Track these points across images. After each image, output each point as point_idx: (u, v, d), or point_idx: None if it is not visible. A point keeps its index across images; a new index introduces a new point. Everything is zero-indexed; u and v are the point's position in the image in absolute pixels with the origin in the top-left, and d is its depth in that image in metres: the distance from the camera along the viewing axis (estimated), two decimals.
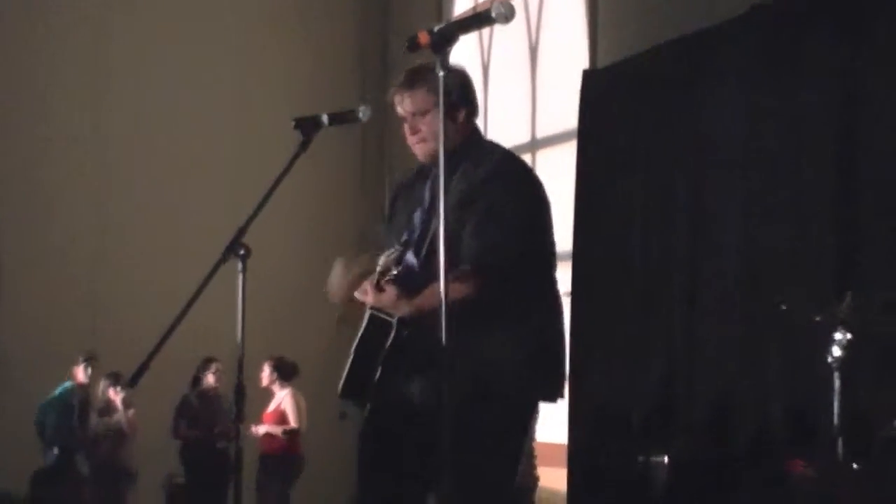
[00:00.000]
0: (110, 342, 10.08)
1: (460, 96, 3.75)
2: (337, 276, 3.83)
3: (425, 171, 3.84)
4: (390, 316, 3.63)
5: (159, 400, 9.81)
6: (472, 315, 3.35)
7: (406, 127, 3.81)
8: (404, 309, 3.59)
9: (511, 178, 3.73)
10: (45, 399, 10.11)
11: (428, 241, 3.66)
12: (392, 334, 3.60)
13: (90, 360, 10.16)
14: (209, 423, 10.18)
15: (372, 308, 3.69)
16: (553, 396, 3.78)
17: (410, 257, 3.72)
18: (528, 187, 3.77)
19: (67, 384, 10.17)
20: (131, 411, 10.11)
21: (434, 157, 3.64)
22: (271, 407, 10.18)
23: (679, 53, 7.32)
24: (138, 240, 11.18)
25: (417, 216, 3.78)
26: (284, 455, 10.07)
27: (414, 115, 3.77)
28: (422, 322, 3.50)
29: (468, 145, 3.76)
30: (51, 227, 11.04)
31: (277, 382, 10.19)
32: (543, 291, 3.74)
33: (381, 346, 3.62)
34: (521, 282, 3.62)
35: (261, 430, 10.02)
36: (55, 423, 9.99)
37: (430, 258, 3.60)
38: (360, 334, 3.74)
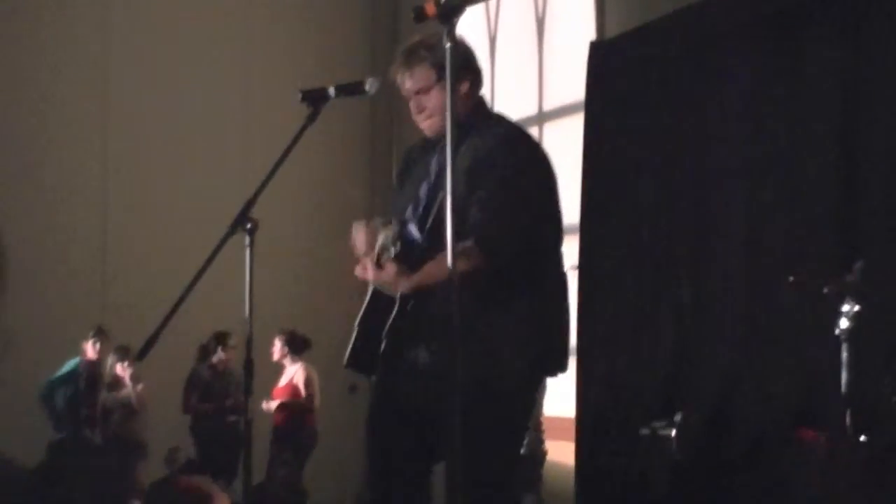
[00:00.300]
0: (120, 319, 10.08)
1: (461, 67, 3.64)
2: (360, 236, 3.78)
3: (432, 143, 3.81)
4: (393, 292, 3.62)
5: (170, 374, 9.84)
6: (474, 290, 3.33)
7: (412, 105, 3.79)
8: (404, 286, 3.58)
9: (516, 152, 3.71)
10: (51, 376, 10.11)
11: (433, 214, 3.64)
12: (395, 308, 3.60)
13: (100, 335, 10.16)
14: (220, 397, 10.21)
15: (374, 283, 3.69)
16: (553, 371, 3.79)
17: (413, 231, 3.71)
18: (533, 162, 3.75)
19: (75, 360, 10.19)
20: (140, 386, 10.13)
21: (443, 132, 3.57)
22: (283, 381, 10.20)
23: (685, 24, 7.29)
24: (146, 219, 11.15)
25: (423, 189, 3.76)
26: (297, 428, 10.10)
27: (417, 93, 3.75)
28: (425, 292, 3.50)
29: (474, 118, 3.74)
30: (58, 208, 11.01)
31: (289, 356, 10.22)
32: (547, 267, 3.73)
33: (385, 319, 3.61)
34: (525, 258, 3.61)
35: (273, 405, 10.05)
36: (65, 399, 10.00)
37: (433, 232, 3.58)
38: (364, 308, 3.75)
